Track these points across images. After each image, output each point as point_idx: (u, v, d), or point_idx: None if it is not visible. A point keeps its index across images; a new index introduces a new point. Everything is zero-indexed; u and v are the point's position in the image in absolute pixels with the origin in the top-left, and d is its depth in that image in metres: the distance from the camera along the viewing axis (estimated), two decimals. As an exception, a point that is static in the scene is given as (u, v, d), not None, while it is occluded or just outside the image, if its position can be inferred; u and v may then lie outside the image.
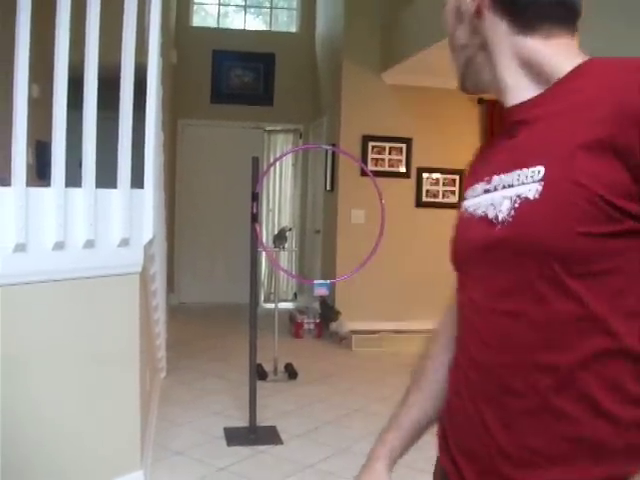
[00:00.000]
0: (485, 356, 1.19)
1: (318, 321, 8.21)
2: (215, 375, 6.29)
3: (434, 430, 1.42)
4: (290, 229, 7.63)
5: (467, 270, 1.29)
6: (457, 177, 8.45)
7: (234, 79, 9.78)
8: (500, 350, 1.15)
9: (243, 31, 10.14)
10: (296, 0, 10.40)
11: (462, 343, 1.29)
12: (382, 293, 8.16)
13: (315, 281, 6.31)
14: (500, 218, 1.14)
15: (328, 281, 6.37)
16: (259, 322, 5.09)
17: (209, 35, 9.84)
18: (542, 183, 1.08)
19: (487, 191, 1.22)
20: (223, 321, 8.62)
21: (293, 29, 10.40)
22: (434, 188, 8.46)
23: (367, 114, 8.20)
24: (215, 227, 9.73)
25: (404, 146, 8.32)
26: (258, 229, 5.17)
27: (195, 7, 10.12)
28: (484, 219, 1.19)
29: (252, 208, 5.09)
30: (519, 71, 1.21)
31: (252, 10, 10.45)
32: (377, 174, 7.62)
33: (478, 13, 1.23)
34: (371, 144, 8.21)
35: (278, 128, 10.06)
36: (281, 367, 6.33)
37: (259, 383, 5.16)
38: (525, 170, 1.12)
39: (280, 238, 6.94)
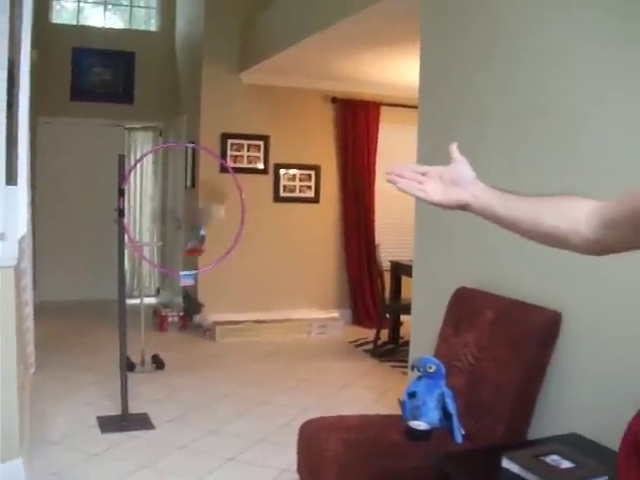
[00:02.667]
0: None
1: (182, 314, 8.42)
2: (85, 369, 6.41)
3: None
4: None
5: None
6: (313, 172, 8.84)
7: (94, 77, 9.80)
8: None
9: (103, 29, 10.13)
10: (155, -2, 10.49)
11: None
12: (243, 285, 8.43)
13: (181, 272, 6.51)
14: None
15: (193, 272, 6.60)
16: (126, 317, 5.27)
17: (69, 32, 9.78)
18: None
19: None
20: (89, 317, 8.66)
21: (153, 28, 10.49)
22: (291, 183, 8.81)
23: (226, 112, 8.44)
24: (77, 224, 9.69)
25: (262, 143, 8.63)
26: (125, 224, 5.33)
27: (54, 3, 10.02)
28: None
29: (119, 203, 5.22)
30: None
31: (111, 8, 10.47)
32: (236, 170, 7.85)
33: None
34: (230, 142, 8.48)
35: (138, 126, 10.15)
36: (148, 359, 6.52)
37: (129, 375, 5.33)
38: None
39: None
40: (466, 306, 3.70)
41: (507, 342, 3.30)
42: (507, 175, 3.52)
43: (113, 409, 5.26)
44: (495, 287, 3.67)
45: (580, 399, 3.18)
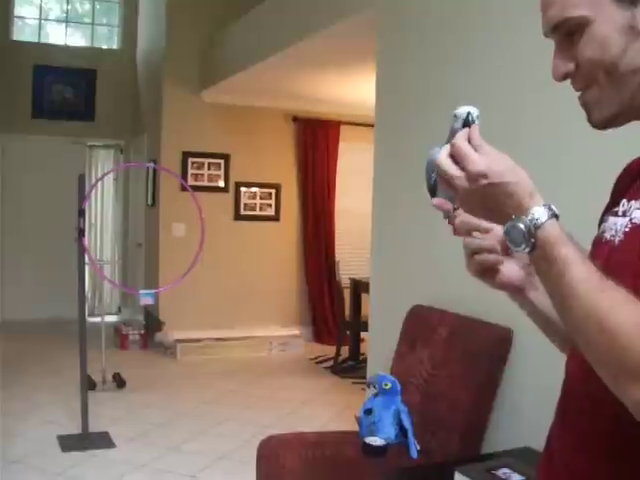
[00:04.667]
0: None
1: (143, 332, 8.42)
2: (45, 388, 6.39)
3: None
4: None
5: None
6: (273, 191, 8.90)
7: (55, 94, 9.77)
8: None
9: (65, 46, 10.13)
10: (117, 16, 10.52)
11: (559, 411, 1.26)
12: (205, 303, 8.45)
13: (141, 291, 6.52)
14: (616, 242, 1.15)
15: (153, 290, 6.62)
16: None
17: (30, 50, 9.77)
18: None
19: (615, 214, 1.21)
20: (50, 336, 8.60)
21: (114, 45, 10.52)
22: (251, 202, 8.86)
23: (187, 131, 8.48)
24: (38, 242, 9.63)
25: (222, 162, 8.68)
26: (85, 243, 5.35)
27: (15, 20, 10.00)
28: (610, 244, 1.18)
29: (79, 223, 5.25)
30: None
31: (73, 25, 10.48)
32: (197, 189, 7.94)
33: None
34: (191, 160, 8.51)
35: (100, 143, 10.15)
36: (109, 377, 6.52)
37: (89, 393, 5.34)
38: None
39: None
40: (421, 323, 3.78)
41: (460, 358, 3.39)
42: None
43: (74, 428, 5.27)
44: (449, 304, 3.76)
45: (532, 413, 3.27)
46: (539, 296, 1.30)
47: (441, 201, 1.24)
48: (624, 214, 1.16)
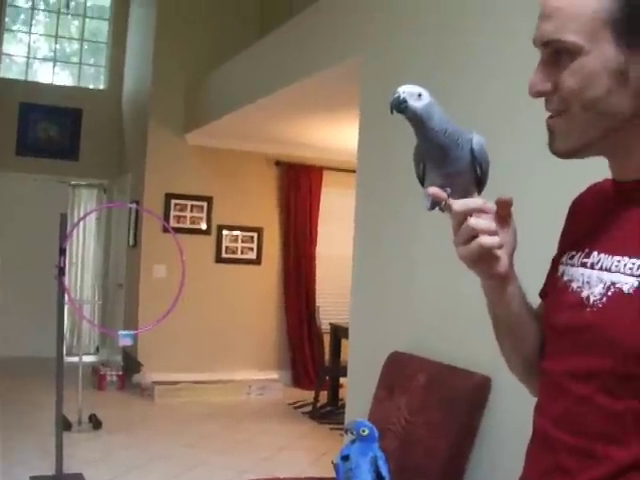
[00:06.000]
0: (549, 429, 1.19)
1: (121, 373, 8.37)
2: (20, 427, 6.32)
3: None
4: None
5: (553, 339, 1.26)
6: (255, 234, 8.92)
7: (41, 132, 9.79)
8: (562, 427, 1.15)
9: (51, 85, 10.18)
10: (104, 57, 10.60)
11: (539, 410, 1.27)
12: (184, 345, 8.41)
13: (119, 332, 6.50)
14: (591, 301, 1.13)
15: (132, 331, 6.59)
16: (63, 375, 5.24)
17: (17, 87, 9.80)
18: (639, 280, 1.06)
19: (584, 265, 1.19)
20: (27, 374, 8.52)
21: (101, 85, 10.59)
22: (233, 245, 8.87)
23: (170, 173, 8.51)
24: (18, 280, 9.56)
25: (205, 204, 8.70)
26: (65, 283, 5.34)
27: (3, 57, 10.05)
28: (577, 296, 1.17)
29: (59, 262, 5.24)
30: None
31: (60, 64, 10.55)
32: (179, 230, 7.96)
33: None
34: (174, 202, 8.53)
35: (83, 183, 10.15)
36: (85, 418, 6.46)
37: (65, 434, 5.29)
38: (626, 259, 1.09)
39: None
40: (399, 370, 3.79)
41: (438, 406, 3.40)
42: (452, 245, 3.64)
43: (48, 469, 5.20)
44: (428, 351, 3.77)
45: (510, 462, 3.25)
46: (514, 289, 1.29)
47: (436, 190, 1.22)
48: (592, 266, 1.16)
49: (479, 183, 1.31)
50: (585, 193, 1.35)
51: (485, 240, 1.17)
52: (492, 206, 1.19)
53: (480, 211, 1.18)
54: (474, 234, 1.17)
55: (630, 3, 1.08)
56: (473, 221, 1.16)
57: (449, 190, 1.24)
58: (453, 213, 1.19)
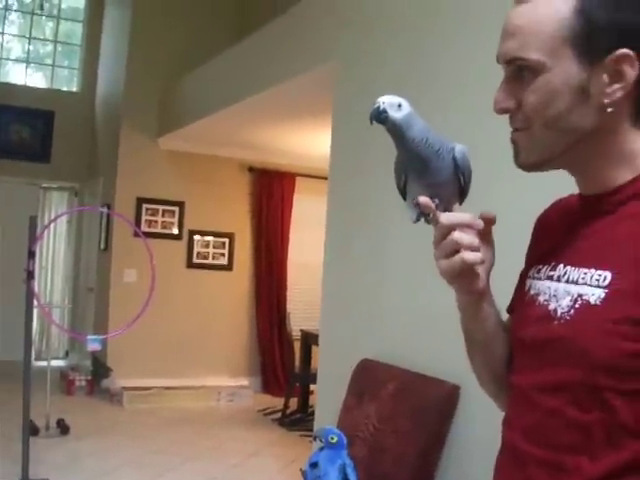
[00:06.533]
0: (519, 442, 1.18)
1: (90, 378, 8.30)
2: (-16, 432, 6.27)
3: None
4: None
5: (520, 353, 1.26)
6: (227, 240, 8.89)
7: (12, 134, 9.69)
8: (532, 440, 1.15)
9: (24, 87, 10.09)
10: (78, 59, 10.53)
11: (508, 424, 1.27)
12: (153, 350, 8.36)
13: (88, 336, 6.45)
14: (559, 313, 1.13)
15: (101, 336, 6.54)
16: (31, 380, 5.18)
17: (-13, 89, 9.70)
18: (606, 291, 1.06)
19: (550, 278, 1.20)
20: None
21: (74, 88, 10.51)
22: (204, 250, 8.84)
23: (142, 177, 8.46)
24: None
25: (177, 209, 8.66)
26: (35, 286, 5.29)
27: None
28: (544, 309, 1.17)
29: (28, 266, 5.19)
30: (613, 162, 1.15)
31: (34, 66, 10.47)
32: (150, 235, 7.92)
33: (614, 103, 1.12)
34: (145, 206, 8.49)
35: (54, 186, 10.08)
36: (53, 423, 6.40)
37: (32, 439, 5.23)
38: (592, 271, 1.10)
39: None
40: (369, 378, 3.80)
41: (407, 414, 3.40)
42: (422, 252, 3.65)
43: (13, 475, 5.13)
44: (398, 359, 3.78)
45: (479, 469, 3.27)
46: (488, 306, 1.30)
47: (427, 200, 1.22)
48: (559, 279, 1.16)
49: (461, 193, 1.31)
50: (550, 209, 1.37)
51: (468, 256, 1.16)
52: (480, 222, 1.19)
53: (467, 226, 1.18)
54: (457, 248, 1.17)
55: (589, 20, 1.09)
56: (457, 235, 1.16)
57: (437, 201, 1.24)
58: (439, 226, 1.19)
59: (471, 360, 1.41)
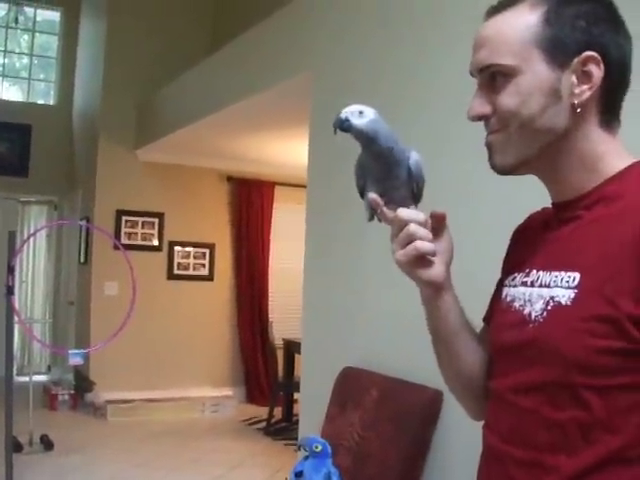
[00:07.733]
0: (498, 444, 1.21)
1: (73, 392, 8.25)
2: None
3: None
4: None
5: (498, 358, 1.29)
6: (207, 250, 8.88)
7: (-12, 149, 9.66)
8: (511, 441, 1.17)
9: (0, 101, 10.05)
10: (54, 72, 10.50)
11: (488, 427, 1.29)
12: (136, 363, 8.32)
13: (70, 350, 6.41)
14: (533, 317, 1.16)
15: (82, 350, 6.49)
16: (13, 395, 5.15)
17: (-38, 104, 9.64)
18: (575, 291, 1.10)
19: (524, 284, 1.23)
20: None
21: (51, 101, 10.48)
22: (185, 261, 8.82)
23: (121, 189, 8.44)
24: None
25: (156, 220, 8.64)
26: (15, 301, 5.26)
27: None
28: (520, 314, 1.20)
29: (8, 280, 5.17)
30: (581, 165, 1.19)
31: (9, 79, 10.42)
32: (130, 247, 7.90)
33: (582, 105, 1.15)
34: (125, 218, 8.46)
35: (33, 199, 10.03)
36: (37, 439, 6.36)
37: (15, 456, 5.19)
38: (562, 274, 1.13)
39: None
40: (352, 385, 3.80)
41: (391, 420, 3.41)
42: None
43: (-3, 493, 5.13)
44: (380, 366, 3.78)
45: (462, 473, 3.28)
46: (450, 300, 1.33)
47: (375, 196, 1.30)
48: (532, 284, 1.20)
49: (415, 198, 1.37)
50: (526, 221, 1.42)
51: (421, 244, 1.22)
52: (427, 219, 1.26)
53: (420, 224, 1.24)
54: (412, 239, 1.22)
55: (554, 23, 1.14)
56: (413, 227, 1.22)
57: (385, 198, 1.31)
58: (396, 219, 1.25)
59: (437, 358, 1.43)
